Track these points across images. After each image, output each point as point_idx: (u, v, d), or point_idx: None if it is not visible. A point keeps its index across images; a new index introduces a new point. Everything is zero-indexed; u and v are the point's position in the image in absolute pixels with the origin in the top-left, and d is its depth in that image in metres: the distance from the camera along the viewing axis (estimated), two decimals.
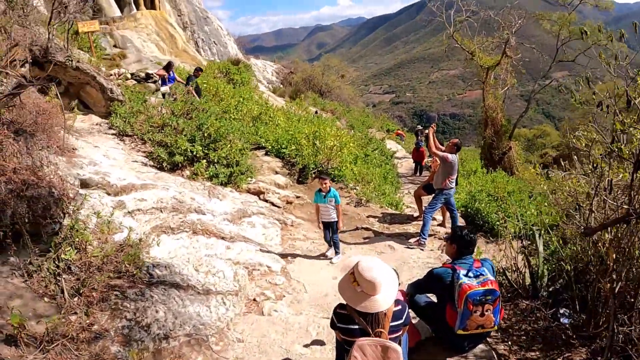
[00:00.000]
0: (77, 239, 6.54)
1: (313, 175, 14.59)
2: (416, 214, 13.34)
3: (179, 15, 48.15)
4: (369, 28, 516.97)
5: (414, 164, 25.90)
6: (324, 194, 9.36)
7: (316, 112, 31.28)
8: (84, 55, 15.91)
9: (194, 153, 12.21)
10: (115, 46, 30.06)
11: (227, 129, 13.30)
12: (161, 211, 9.36)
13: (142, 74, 23.57)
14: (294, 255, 9.95)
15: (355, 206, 13.71)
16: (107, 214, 7.98)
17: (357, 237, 11.53)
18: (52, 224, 6.57)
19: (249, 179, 13.14)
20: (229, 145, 12.88)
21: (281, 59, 78.85)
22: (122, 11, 36.37)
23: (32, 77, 12.22)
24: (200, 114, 13.89)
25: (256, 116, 18.94)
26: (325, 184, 9.29)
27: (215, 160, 12.48)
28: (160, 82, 19.45)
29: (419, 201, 13.11)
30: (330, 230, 9.66)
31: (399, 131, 48.53)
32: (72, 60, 13.79)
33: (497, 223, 12.78)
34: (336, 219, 9.48)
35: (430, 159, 29.80)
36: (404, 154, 32.48)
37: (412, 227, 12.41)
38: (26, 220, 6.12)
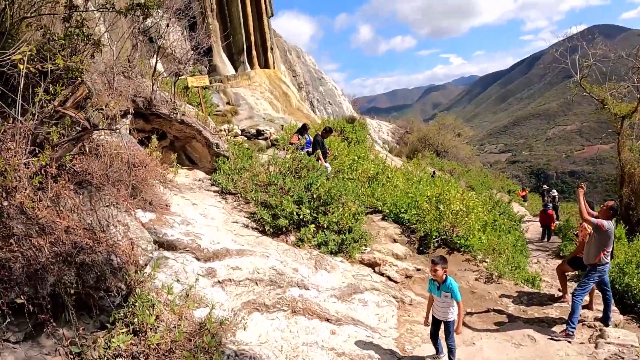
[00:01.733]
0: (138, 318, 5.39)
1: (436, 245, 12.84)
2: (559, 294, 11.27)
3: (293, 76, 49.08)
4: (482, 86, 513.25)
5: (541, 228, 23.76)
6: (437, 284, 7.43)
7: (434, 173, 29.83)
8: (191, 110, 15.21)
9: (301, 216, 10.76)
10: (227, 103, 30.22)
11: (339, 190, 11.86)
12: (256, 283, 8.07)
13: (253, 130, 23.14)
14: (413, 344, 8.32)
15: (485, 282, 11.80)
16: (192, 283, 6.92)
17: (488, 322, 9.68)
18: (109, 297, 5.39)
19: (363, 247, 11.54)
20: (342, 209, 11.41)
21: (396, 119, 78.40)
22: (236, 70, 36.87)
23: (135, 128, 11.75)
24: (310, 172, 12.59)
25: (372, 176, 17.37)
26: (436, 271, 7.25)
27: (325, 226, 10.95)
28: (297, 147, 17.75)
29: (562, 279, 11.05)
30: (443, 330, 7.55)
31: (522, 192, 46.20)
32: (176, 113, 13.30)
33: None
34: (452, 319, 7.40)
35: (558, 222, 27.53)
36: (528, 216, 30.03)
37: (555, 311, 10.34)
38: (72, 292, 4.95)
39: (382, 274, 10.77)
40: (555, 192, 28.01)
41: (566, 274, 11.10)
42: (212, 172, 13.53)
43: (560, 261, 11.48)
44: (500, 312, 10.17)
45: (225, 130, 20.57)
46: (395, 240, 12.70)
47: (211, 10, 36.03)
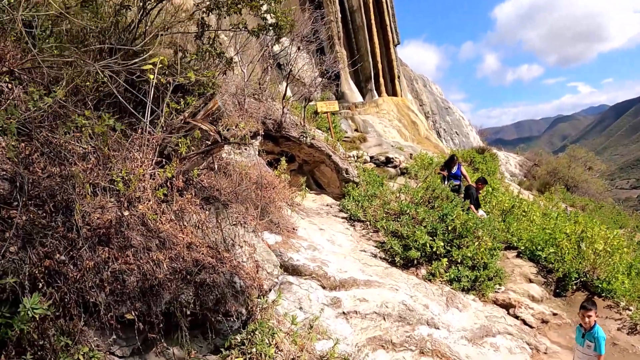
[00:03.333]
0: (257, 347, 5.08)
1: (574, 287, 11.72)
2: None
3: (420, 105, 49.04)
4: (613, 116, 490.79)
5: None
6: (583, 331, 6.80)
7: (566, 208, 28.08)
8: (321, 134, 15.03)
9: (434, 249, 10.11)
10: (356, 130, 30.11)
11: (475, 223, 11.12)
12: (384, 318, 7.54)
13: (382, 158, 22.70)
14: None
15: (628, 334, 10.43)
16: (316, 312, 6.61)
17: None
18: (227, 321, 5.07)
19: (497, 286, 10.70)
20: (477, 243, 10.64)
21: (524, 151, 76.04)
22: (363, 97, 36.96)
23: (264, 150, 11.70)
24: (445, 203, 11.90)
25: (507, 209, 16.31)
26: (590, 317, 6.66)
27: (459, 260, 10.26)
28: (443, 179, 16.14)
29: None
30: None
31: None
32: (306, 137, 13.23)
33: None
34: None
35: None
36: None
37: None
38: (188, 312, 4.64)
39: (516, 317, 9.91)
40: None
41: None
42: (340, 197, 13.32)
43: None
44: None
45: (354, 157, 20.24)
46: (530, 280, 11.72)
47: (338, 38, 36.34)
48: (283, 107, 13.06)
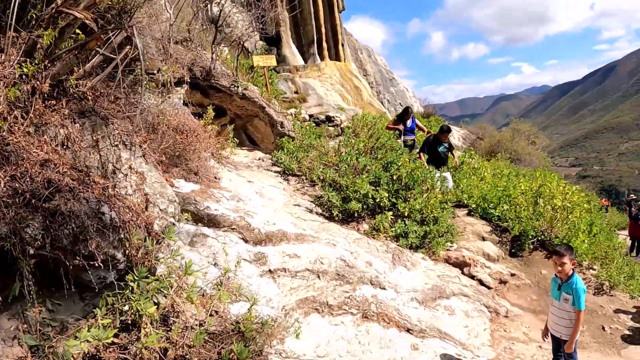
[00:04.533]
0: (132, 306, 3.75)
1: (531, 246, 10.76)
2: None
3: (364, 75, 48.23)
4: (554, 96, 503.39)
5: (630, 241, 21.40)
6: (559, 282, 5.55)
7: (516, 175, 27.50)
8: (255, 89, 13.66)
9: (377, 201, 8.84)
10: (296, 92, 28.97)
11: (424, 173, 9.85)
12: (319, 277, 6.36)
13: (322, 117, 21.61)
14: None
15: (595, 294, 9.71)
16: (234, 269, 5.39)
17: (606, 344, 7.70)
18: (94, 269, 3.61)
19: (449, 244, 9.52)
20: (426, 195, 9.44)
21: (467, 124, 76.41)
22: (305, 62, 35.88)
23: (191, 102, 10.52)
24: (390, 154, 10.53)
25: (455, 166, 14.83)
26: (564, 264, 5.42)
27: (406, 214, 9.02)
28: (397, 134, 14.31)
29: None
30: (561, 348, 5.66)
31: (603, 201, 43.17)
32: (237, 87, 12.01)
33: None
34: (565, 335, 5.51)
35: None
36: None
37: None
38: (31, 252, 3.26)
39: (472, 277, 8.78)
40: None
41: None
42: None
43: None
44: (618, 331, 8.22)
45: (292, 115, 18.98)
46: (484, 239, 10.65)
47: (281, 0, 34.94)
48: (212, 53, 11.75)
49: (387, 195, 8.90)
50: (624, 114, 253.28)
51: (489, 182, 13.99)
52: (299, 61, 35.37)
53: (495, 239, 10.65)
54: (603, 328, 8.23)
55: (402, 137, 13.55)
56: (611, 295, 9.72)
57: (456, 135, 57.26)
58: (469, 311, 7.46)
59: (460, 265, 8.99)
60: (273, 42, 33.90)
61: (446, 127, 12.67)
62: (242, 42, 15.09)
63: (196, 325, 4.28)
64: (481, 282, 8.68)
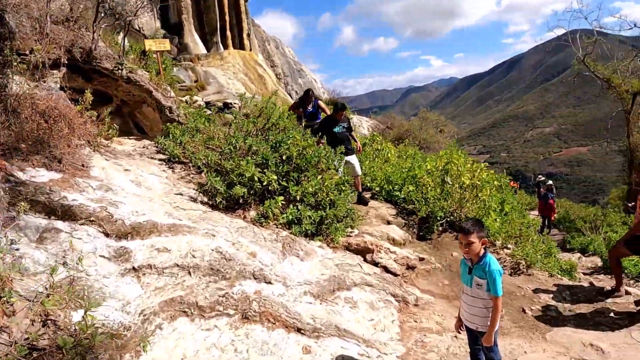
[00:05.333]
0: None
1: (440, 228, 10.08)
2: (610, 286, 8.79)
3: (272, 66, 47.35)
4: (462, 88, 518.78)
5: (541, 220, 21.56)
6: (470, 265, 4.72)
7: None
8: (145, 74, 12.49)
9: (264, 184, 7.82)
10: (196, 81, 27.69)
11: (318, 154, 8.82)
12: (189, 272, 5.38)
13: (220, 104, 20.43)
14: None
15: (511, 274, 9.18)
16: (88, 269, 4.78)
17: (528, 327, 7.04)
18: None
19: (349, 229, 8.62)
20: (321, 177, 8.42)
21: (377, 115, 76.96)
22: (209, 51, 34.73)
23: (71, 87, 9.50)
24: (280, 134, 9.47)
25: (358, 150, 13.87)
26: (471, 243, 4.54)
27: (299, 198, 8.04)
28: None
29: (617, 267, 8.42)
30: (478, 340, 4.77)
31: (512, 183, 43.90)
32: (122, 69, 10.77)
33: None
34: (481, 326, 4.65)
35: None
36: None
37: (614, 307, 7.80)
38: None
39: (375, 264, 7.90)
40: (551, 182, 25.68)
41: (621, 259, 8.60)
42: None
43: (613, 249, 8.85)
44: (540, 312, 7.63)
45: (187, 102, 17.79)
46: (389, 222, 9.93)
47: None
48: (93, 32, 10.39)
49: (276, 178, 7.90)
50: (528, 104, 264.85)
51: (393, 164, 13.26)
52: (202, 50, 34.36)
53: (401, 222, 9.97)
54: (524, 310, 7.64)
55: (304, 122, 12.52)
56: (529, 275, 9.31)
57: (365, 126, 57.49)
58: (374, 302, 6.63)
59: (362, 252, 8.12)
60: (175, 31, 32.74)
61: (341, 104, 11.29)
62: (128, 21, 13.87)
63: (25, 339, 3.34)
64: (386, 269, 7.85)
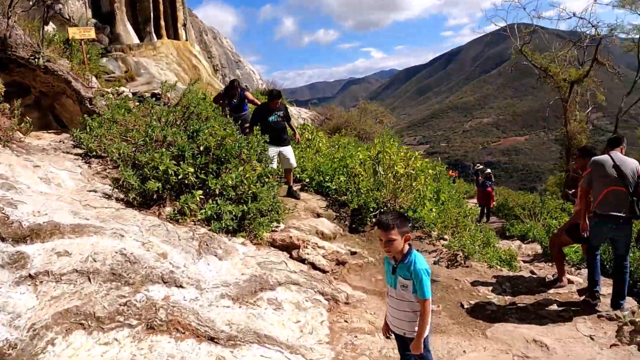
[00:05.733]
0: None
1: (373, 220, 9.70)
2: (551, 274, 8.61)
3: (209, 57, 46.66)
4: (402, 80, 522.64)
5: (479, 208, 22.24)
6: (394, 263, 4.13)
7: None
8: (66, 63, 11.77)
9: (180, 177, 7.19)
10: (126, 72, 26.77)
11: (240, 144, 8.17)
12: (89, 279, 4.75)
13: (148, 95, 19.69)
14: None
15: (448, 267, 8.82)
16: None
17: (467, 324, 6.68)
18: None
19: (274, 224, 8.12)
20: (242, 168, 7.80)
21: (316, 106, 76.97)
22: (142, 41, 33.73)
23: None
24: (198, 123, 8.68)
25: (297, 140, 13.23)
26: (391, 241, 3.93)
27: (218, 192, 7.41)
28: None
29: (559, 255, 8.14)
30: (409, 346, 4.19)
31: (451, 172, 44.35)
32: (38, 58, 10.16)
33: None
34: (409, 332, 4.11)
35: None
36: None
37: (557, 297, 7.58)
38: None
39: (302, 260, 7.45)
40: (489, 170, 25.81)
41: (563, 247, 8.39)
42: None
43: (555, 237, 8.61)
44: (479, 307, 7.27)
45: (113, 94, 17.03)
46: (319, 215, 9.54)
47: None
48: (8, 18, 9.80)
49: (192, 170, 7.27)
50: (467, 95, 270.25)
51: (325, 154, 12.87)
52: (135, 40, 33.40)
53: (332, 215, 9.61)
54: (462, 305, 7.31)
55: (229, 115, 11.85)
56: (467, 267, 8.96)
57: (304, 116, 57.53)
58: (301, 302, 6.16)
59: (288, 247, 7.68)
60: (107, 20, 31.79)
61: (276, 92, 10.59)
62: (46, 6, 13.12)
63: None
64: (314, 266, 7.41)
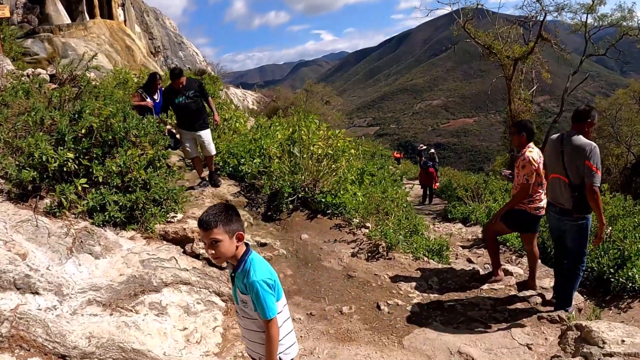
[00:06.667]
0: None
1: (290, 207, 8.99)
2: (486, 269, 7.99)
3: (150, 39, 45.16)
4: (352, 62, 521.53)
5: (422, 189, 22.56)
6: (232, 272, 3.20)
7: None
8: None
9: (59, 164, 6.25)
10: (52, 54, 25.43)
11: (131, 123, 7.26)
12: None
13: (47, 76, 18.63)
14: None
15: (368, 259, 7.88)
16: None
17: (382, 329, 5.96)
18: None
19: (171, 214, 7.26)
20: (131, 152, 6.98)
21: (263, 88, 75.95)
22: (74, 21, 32.23)
23: None
24: (83, 102, 7.66)
25: (216, 123, 12.23)
26: (216, 243, 2.95)
27: (102, 180, 6.51)
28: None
29: (494, 245, 7.37)
30: None
31: (396, 154, 44.04)
32: None
33: None
34: (264, 358, 3.16)
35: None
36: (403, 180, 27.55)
37: (491, 294, 6.84)
38: None
39: (197, 256, 6.65)
40: (433, 150, 25.22)
41: (498, 237, 7.68)
42: None
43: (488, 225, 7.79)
44: (399, 308, 6.50)
45: (29, 76, 15.90)
46: (228, 202, 8.69)
47: None
48: None
49: (72, 156, 6.33)
50: (417, 77, 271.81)
51: (243, 137, 12.03)
52: (66, 20, 31.77)
53: (243, 202, 8.85)
54: (378, 306, 6.51)
55: (148, 113, 10.54)
56: (389, 259, 8.03)
57: (250, 99, 56.67)
58: (191, 305, 5.46)
59: (182, 241, 6.85)
60: (37, 0, 30.41)
61: (178, 70, 9.26)
62: None
63: None
64: (210, 262, 6.59)
